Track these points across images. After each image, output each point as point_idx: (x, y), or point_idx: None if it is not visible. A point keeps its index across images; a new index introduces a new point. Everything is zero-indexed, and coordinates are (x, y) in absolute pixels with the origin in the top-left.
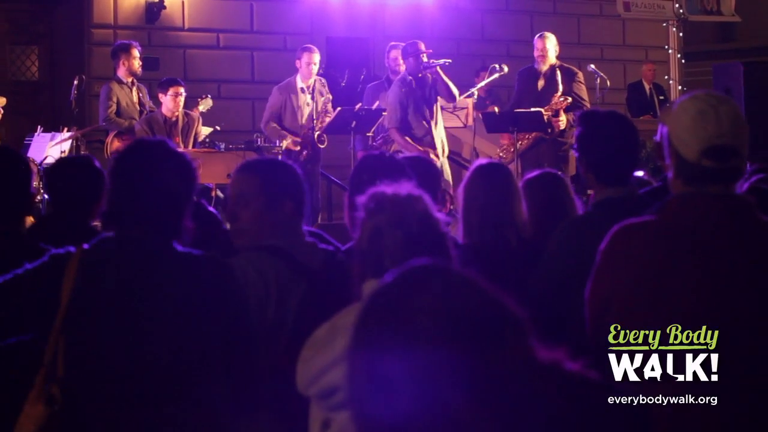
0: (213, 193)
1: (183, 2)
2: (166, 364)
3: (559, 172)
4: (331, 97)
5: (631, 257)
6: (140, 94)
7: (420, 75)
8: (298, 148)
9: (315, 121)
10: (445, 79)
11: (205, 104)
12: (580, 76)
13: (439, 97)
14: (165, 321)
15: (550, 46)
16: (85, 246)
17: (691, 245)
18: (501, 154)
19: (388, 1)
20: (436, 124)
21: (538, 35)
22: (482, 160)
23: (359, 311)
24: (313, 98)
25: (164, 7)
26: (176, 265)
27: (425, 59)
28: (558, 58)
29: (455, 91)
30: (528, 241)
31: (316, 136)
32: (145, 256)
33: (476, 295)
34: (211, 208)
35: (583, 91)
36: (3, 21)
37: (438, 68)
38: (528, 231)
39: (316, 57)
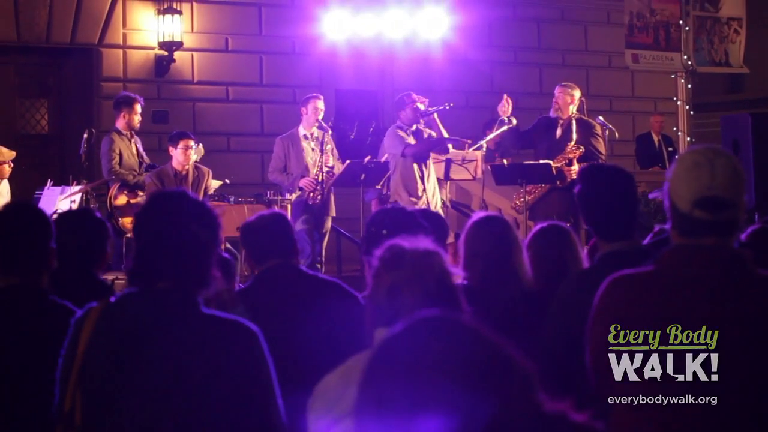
0: (222, 246)
1: (192, 55)
2: (182, 425)
3: (568, 224)
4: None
5: (626, 307)
6: (138, 146)
7: (416, 126)
8: (313, 187)
9: (320, 174)
10: (441, 127)
11: (197, 152)
12: (598, 129)
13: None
14: (181, 382)
15: (568, 97)
16: (112, 300)
17: (684, 297)
18: (518, 202)
19: (397, 53)
20: (428, 177)
21: (560, 84)
22: (480, 213)
23: (367, 360)
24: (322, 150)
25: (173, 61)
26: (199, 326)
27: (422, 107)
28: (581, 111)
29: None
30: (530, 293)
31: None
32: (168, 313)
33: (484, 347)
34: (226, 255)
35: (600, 144)
36: (13, 74)
37: (435, 115)
38: (530, 282)
39: (321, 104)
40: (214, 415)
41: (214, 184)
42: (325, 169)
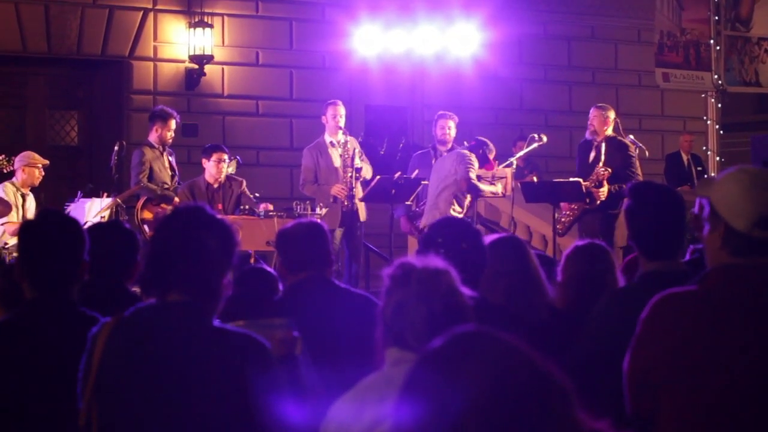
0: (252, 260)
1: (222, 69)
2: None
3: (601, 244)
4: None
5: (673, 327)
6: (170, 159)
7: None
8: (345, 194)
9: (351, 175)
10: None
11: (232, 166)
12: (632, 149)
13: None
14: (195, 396)
15: (602, 118)
16: (126, 314)
17: (738, 316)
18: (563, 219)
19: (428, 69)
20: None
21: (595, 106)
22: (493, 236)
23: (406, 376)
24: (352, 163)
25: (204, 74)
26: (210, 340)
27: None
28: (617, 131)
29: None
30: (558, 310)
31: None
32: (179, 327)
33: (524, 364)
34: (270, 269)
35: (634, 165)
36: (43, 86)
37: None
38: (556, 299)
39: (341, 110)
40: (224, 427)
41: None
42: (351, 172)
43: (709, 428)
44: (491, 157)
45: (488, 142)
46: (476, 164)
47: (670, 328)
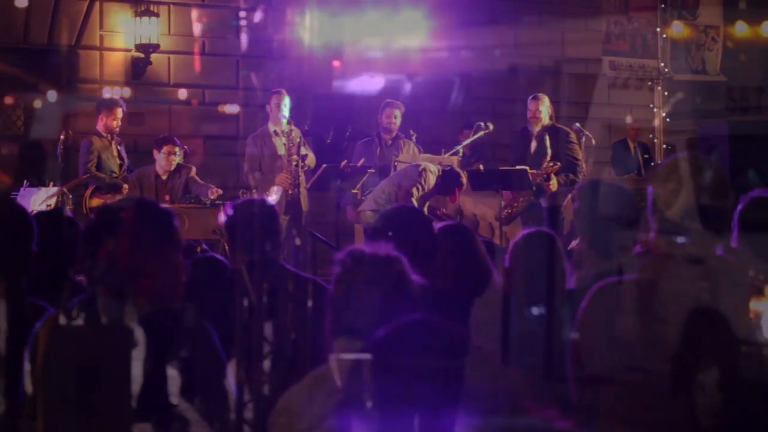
0: (198, 249)
1: (169, 58)
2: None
3: (549, 231)
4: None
5: (611, 315)
6: (119, 148)
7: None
8: (290, 182)
9: (297, 162)
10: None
11: (179, 156)
12: (573, 136)
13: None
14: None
15: (542, 108)
16: (68, 305)
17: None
18: (507, 210)
19: (374, 58)
20: None
21: (531, 96)
22: (442, 223)
23: (349, 366)
24: (287, 145)
25: (150, 63)
26: (152, 328)
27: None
28: (552, 118)
29: None
30: (506, 298)
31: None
32: (114, 318)
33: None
34: (220, 257)
35: (575, 151)
36: None
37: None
38: (505, 288)
39: (286, 99)
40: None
41: None
42: (297, 161)
43: (648, 414)
44: (458, 192)
45: (462, 175)
46: (429, 186)
47: (608, 316)
